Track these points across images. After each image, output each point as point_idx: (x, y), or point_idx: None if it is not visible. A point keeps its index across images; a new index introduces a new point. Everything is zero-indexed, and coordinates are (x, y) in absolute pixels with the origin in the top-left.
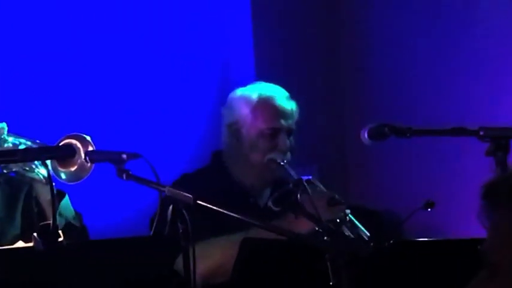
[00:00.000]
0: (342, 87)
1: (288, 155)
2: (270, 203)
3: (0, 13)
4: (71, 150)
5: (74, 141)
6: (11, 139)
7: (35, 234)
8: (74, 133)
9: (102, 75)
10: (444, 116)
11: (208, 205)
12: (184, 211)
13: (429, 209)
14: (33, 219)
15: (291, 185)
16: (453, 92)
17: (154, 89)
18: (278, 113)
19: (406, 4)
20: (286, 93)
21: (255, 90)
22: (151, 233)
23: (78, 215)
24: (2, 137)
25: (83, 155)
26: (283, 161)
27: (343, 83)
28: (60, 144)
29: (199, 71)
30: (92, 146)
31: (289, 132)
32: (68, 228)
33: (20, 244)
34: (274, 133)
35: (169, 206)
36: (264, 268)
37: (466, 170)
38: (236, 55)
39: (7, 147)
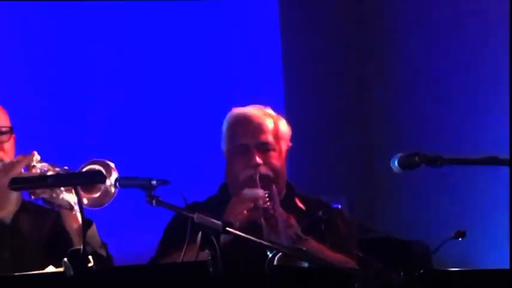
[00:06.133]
0: (370, 118)
1: (264, 170)
2: (299, 232)
3: (23, 45)
4: (101, 176)
5: (97, 167)
6: (39, 165)
7: (65, 259)
8: (98, 159)
9: (128, 102)
10: (473, 146)
11: (238, 232)
12: (213, 237)
13: (460, 239)
14: (61, 246)
15: (320, 213)
16: (482, 122)
17: (180, 115)
18: (244, 129)
19: (436, 37)
20: (260, 111)
21: (230, 112)
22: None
23: (103, 244)
24: (32, 164)
25: (107, 182)
26: (256, 176)
27: (372, 115)
28: (84, 170)
29: (226, 98)
30: (115, 172)
31: (262, 147)
32: (94, 257)
33: (50, 269)
34: (244, 150)
35: (198, 232)
36: None
37: (496, 199)
38: (265, 82)
39: (35, 173)
